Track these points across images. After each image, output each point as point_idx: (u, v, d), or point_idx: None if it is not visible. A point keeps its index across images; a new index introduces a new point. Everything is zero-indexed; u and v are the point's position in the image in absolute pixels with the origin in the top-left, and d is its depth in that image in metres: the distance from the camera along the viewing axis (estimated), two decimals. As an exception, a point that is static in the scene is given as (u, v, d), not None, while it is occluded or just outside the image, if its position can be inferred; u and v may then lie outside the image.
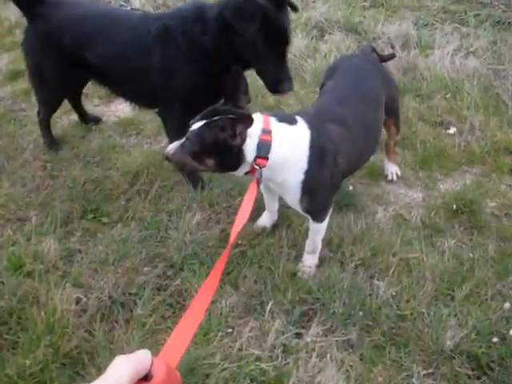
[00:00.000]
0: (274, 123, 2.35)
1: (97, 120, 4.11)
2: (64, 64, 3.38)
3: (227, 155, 2.27)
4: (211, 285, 1.36)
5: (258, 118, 2.32)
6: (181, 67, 3.05)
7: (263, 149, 2.28)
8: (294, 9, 3.01)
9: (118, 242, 2.93)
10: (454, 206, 3.20)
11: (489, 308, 2.58)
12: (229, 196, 3.24)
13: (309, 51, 4.66)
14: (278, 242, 2.91)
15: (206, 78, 3.01)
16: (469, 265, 2.83)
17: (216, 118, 2.22)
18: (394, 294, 2.65)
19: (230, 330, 2.48)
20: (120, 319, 2.52)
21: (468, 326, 2.46)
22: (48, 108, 3.74)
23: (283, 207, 2.99)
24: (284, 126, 2.38)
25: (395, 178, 3.47)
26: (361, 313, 2.53)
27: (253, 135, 2.27)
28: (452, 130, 3.91)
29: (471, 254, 2.92)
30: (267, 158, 2.30)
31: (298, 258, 2.84)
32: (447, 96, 4.22)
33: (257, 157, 2.29)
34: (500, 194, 3.39)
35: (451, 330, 2.44)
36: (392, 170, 3.48)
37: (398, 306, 2.57)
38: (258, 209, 3.08)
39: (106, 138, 3.87)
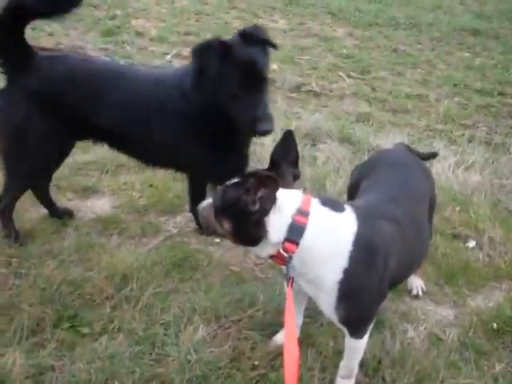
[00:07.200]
0: (315, 205, 2.02)
1: (69, 213, 3.51)
2: (61, 126, 2.95)
3: (244, 222, 1.96)
4: None
5: (296, 194, 2.02)
6: None
7: (295, 232, 1.95)
8: (272, 45, 2.85)
9: (103, 358, 2.37)
10: (495, 325, 2.78)
11: None
12: (237, 308, 2.72)
13: (304, 159, 4.33)
14: (305, 363, 2.39)
15: None
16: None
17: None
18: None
19: None
20: None
21: None
22: (23, 185, 3.17)
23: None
24: (326, 210, 2.03)
25: (420, 292, 3.06)
26: None
27: (284, 212, 1.95)
28: (471, 244, 3.56)
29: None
30: (297, 244, 1.94)
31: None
32: (457, 208, 3.93)
33: (286, 240, 1.93)
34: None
35: None
36: (417, 284, 3.07)
37: None
38: (274, 325, 2.59)
39: (83, 235, 3.28)
